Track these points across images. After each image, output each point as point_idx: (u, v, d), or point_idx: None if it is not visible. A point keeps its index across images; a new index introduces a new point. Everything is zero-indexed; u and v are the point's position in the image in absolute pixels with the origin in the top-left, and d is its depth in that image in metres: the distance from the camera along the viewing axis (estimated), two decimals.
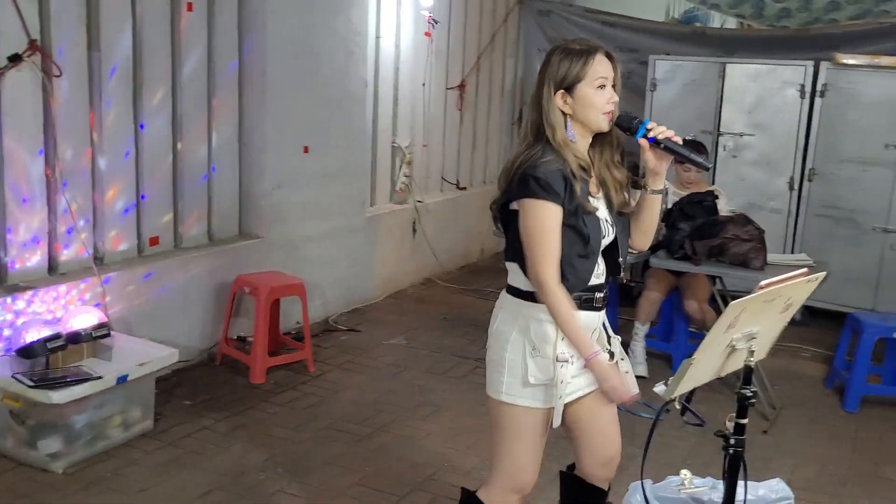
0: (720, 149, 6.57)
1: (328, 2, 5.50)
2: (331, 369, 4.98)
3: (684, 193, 5.00)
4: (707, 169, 2.34)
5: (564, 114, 2.35)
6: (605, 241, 2.42)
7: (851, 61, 6.17)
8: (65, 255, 4.23)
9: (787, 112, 6.38)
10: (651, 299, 5.09)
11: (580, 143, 2.39)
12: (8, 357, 3.76)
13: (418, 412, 4.45)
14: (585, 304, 2.38)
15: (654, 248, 4.71)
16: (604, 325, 2.51)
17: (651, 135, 2.32)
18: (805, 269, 2.03)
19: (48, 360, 3.69)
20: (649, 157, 2.37)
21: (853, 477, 4.02)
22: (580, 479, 2.66)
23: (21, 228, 4.01)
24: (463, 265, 7.72)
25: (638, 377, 4.79)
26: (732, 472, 2.05)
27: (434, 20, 6.74)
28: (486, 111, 8.04)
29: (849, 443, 4.42)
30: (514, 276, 2.44)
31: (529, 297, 2.38)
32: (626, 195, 2.47)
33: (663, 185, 2.45)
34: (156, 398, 4.08)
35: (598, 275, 2.41)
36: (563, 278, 2.31)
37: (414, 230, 6.86)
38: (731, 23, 9.08)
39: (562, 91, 2.34)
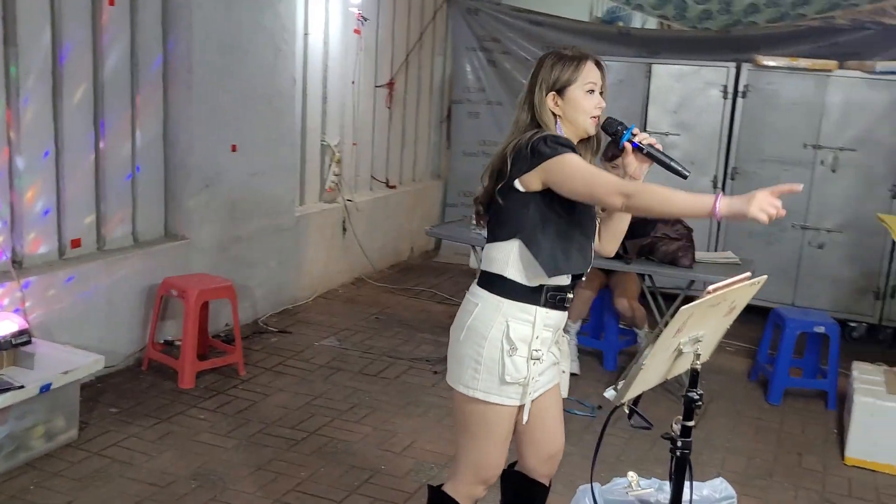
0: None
1: None
2: (262, 372, 4.89)
3: None
4: (685, 177, 2.37)
5: (555, 115, 2.43)
6: None
7: (771, 63, 6.36)
8: None
9: (711, 112, 6.54)
10: (583, 297, 5.15)
11: None
12: None
13: (352, 414, 4.41)
14: (559, 303, 2.42)
15: None
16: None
17: (635, 140, 2.41)
18: (748, 273, 2.07)
19: None
20: (630, 162, 2.44)
21: (779, 468, 4.14)
22: (522, 475, 2.71)
23: None
24: (393, 264, 7.69)
25: (570, 374, 4.88)
26: (679, 473, 2.09)
27: (363, 17, 6.68)
28: (415, 109, 8.01)
29: (773, 435, 4.56)
30: (495, 262, 2.43)
31: (509, 290, 2.39)
32: None
33: None
34: (80, 406, 3.94)
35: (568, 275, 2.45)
36: (567, 262, 2.35)
37: (344, 229, 6.79)
38: (653, 23, 9.23)
39: (553, 93, 2.42)
